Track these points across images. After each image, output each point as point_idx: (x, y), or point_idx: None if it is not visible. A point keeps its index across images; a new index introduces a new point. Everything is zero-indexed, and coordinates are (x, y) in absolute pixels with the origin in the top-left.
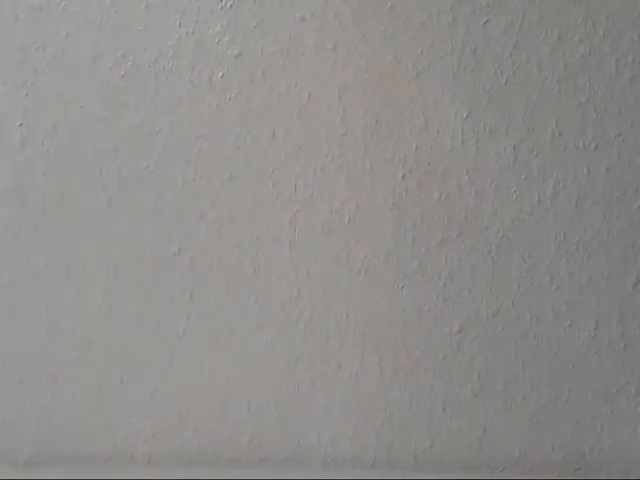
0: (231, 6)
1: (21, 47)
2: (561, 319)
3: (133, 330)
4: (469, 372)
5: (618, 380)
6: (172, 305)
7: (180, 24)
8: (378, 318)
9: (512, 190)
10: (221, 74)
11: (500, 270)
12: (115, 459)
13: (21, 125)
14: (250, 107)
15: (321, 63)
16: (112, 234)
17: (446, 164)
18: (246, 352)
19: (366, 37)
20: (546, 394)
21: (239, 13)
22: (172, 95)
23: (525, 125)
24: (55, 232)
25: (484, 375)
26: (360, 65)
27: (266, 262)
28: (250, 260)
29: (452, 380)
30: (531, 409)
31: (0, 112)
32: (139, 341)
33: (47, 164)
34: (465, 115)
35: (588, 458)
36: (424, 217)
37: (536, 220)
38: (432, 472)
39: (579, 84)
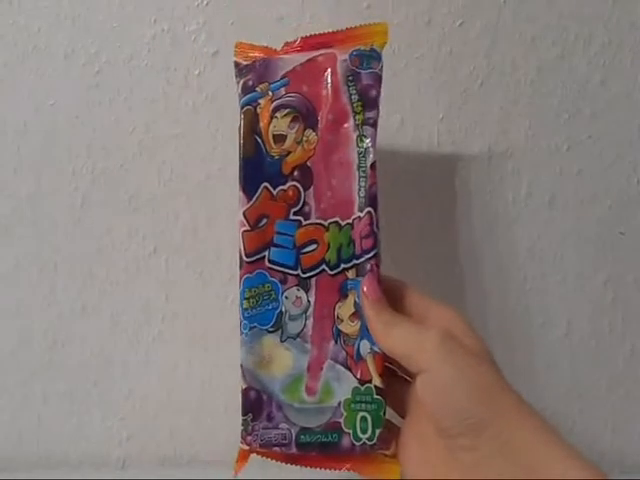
0: (207, 3)
1: None
2: (534, 318)
3: (107, 331)
4: None
5: (589, 377)
6: (147, 306)
7: (155, 21)
8: None
9: (487, 190)
10: (197, 72)
11: (473, 270)
12: (89, 462)
13: None
14: (227, 105)
15: None
16: (85, 234)
17: (422, 164)
18: (222, 353)
19: None
20: (518, 391)
21: (216, 11)
22: (147, 93)
23: (500, 126)
24: (26, 232)
25: None
26: None
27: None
28: (227, 260)
29: None
30: None
31: None
32: (113, 342)
33: (17, 163)
34: (441, 116)
35: None
36: (401, 217)
37: (509, 220)
38: None
39: (552, 86)
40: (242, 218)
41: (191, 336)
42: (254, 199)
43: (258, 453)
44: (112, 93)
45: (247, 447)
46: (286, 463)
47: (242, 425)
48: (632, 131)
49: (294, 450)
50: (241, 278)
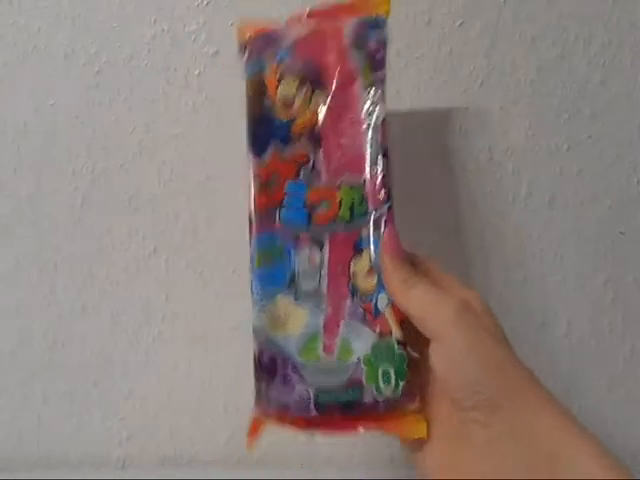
0: (207, 3)
1: None
2: (534, 318)
3: (107, 331)
4: None
5: (589, 377)
6: (147, 306)
7: (155, 21)
8: None
9: (487, 190)
10: (197, 72)
11: (473, 270)
12: (89, 462)
13: None
14: (227, 106)
15: None
16: (85, 234)
17: (422, 165)
18: (222, 353)
19: None
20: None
21: (216, 11)
22: (147, 93)
23: (500, 126)
24: (26, 232)
25: None
26: None
27: (243, 262)
28: (227, 260)
29: None
30: None
31: None
32: (113, 342)
33: (17, 163)
34: (441, 116)
35: None
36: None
37: (510, 220)
38: (409, 471)
39: (552, 86)
40: (251, 177)
41: (191, 336)
42: (263, 159)
43: (273, 421)
44: (112, 93)
45: (261, 414)
46: (305, 430)
47: (255, 393)
48: (632, 131)
49: (313, 413)
50: (252, 238)
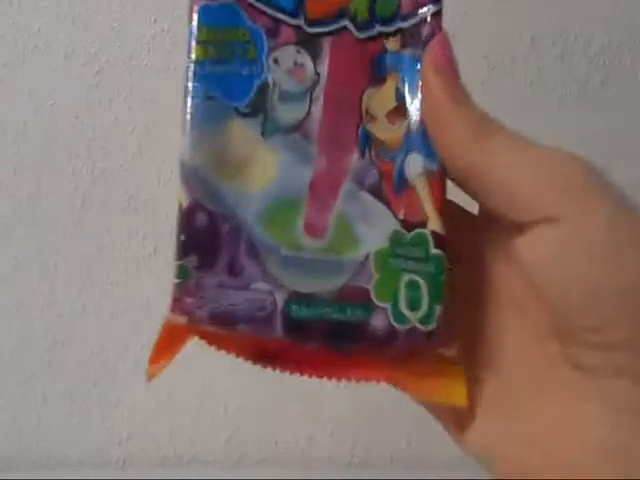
0: None
1: None
2: None
3: (107, 331)
4: None
5: None
6: (147, 306)
7: (155, 21)
8: None
9: None
10: None
11: None
12: (89, 462)
13: None
14: None
15: None
16: (85, 234)
17: None
18: (222, 353)
19: None
20: None
21: None
22: (147, 93)
23: None
24: (26, 232)
25: None
26: None
27: None
28: None
29: None
30: None
31: None
32: (113, 342)
33: (17, 163)
34: None
35: None
36: None
37: None
38: (409, 471)
39: (552, 86)
40: None
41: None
42: None
43: (203, 335)
44: (112, 93)
45: (183, 319)
46: (258, 360)
47: (176, 276)
48: (632, 131)
49: (279, 333)
50: (193, 7)
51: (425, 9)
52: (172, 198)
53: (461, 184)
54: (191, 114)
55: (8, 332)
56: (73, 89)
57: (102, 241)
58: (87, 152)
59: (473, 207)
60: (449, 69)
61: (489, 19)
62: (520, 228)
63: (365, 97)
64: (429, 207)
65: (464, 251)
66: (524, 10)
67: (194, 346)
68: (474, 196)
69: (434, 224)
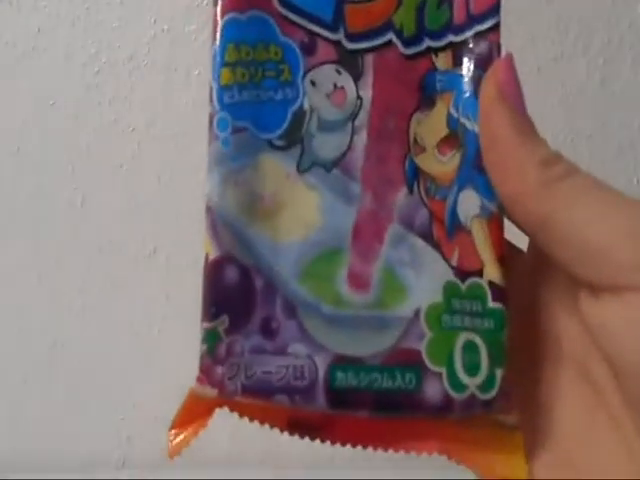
0: (207, 3)
1: None
2: None
3: (107, 331)
4: None
5: None
6: (147, 306)
7: (155, 21)
8: None
9: None
10: (197, 72)
11: None
12: (89, 462)
13: None
14: None
15: None
16: (85, 234)
17: None
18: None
19: None
20: None
21: None
22: (147, 93)
23: None
24: (26, 232)
25: None
26: None
27: None
28: None
29: None
30: None
31: None
32: (113, 342)
33: (17, 163)
34: None
35: None
36: None
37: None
38: (409, 471)
39: (552, 85)
40: None
41: (191, 336)
42: None
43: (234, 406)
44: (112, 93)
45: (213, 391)
46: (300, 432)
47: (204, 341)
48: (632, 131)
49: (321, 404)
50: (218, 20)
51: (490, 20)
52: (172, 198)
53: (524, 230)
54: (218, 149)
55: (8, 332)
56: (73, 89)
57: (102, 241)
58: (87, 152)
59: (521, 240)
60: (516, 98)
61: None
62: (592, 287)
63: (413, 123)
64: (486, 254)
65: (513, 296)
66: (524, 10)
67: (193, 347)
68: (540, 245)
69: (492, 273)
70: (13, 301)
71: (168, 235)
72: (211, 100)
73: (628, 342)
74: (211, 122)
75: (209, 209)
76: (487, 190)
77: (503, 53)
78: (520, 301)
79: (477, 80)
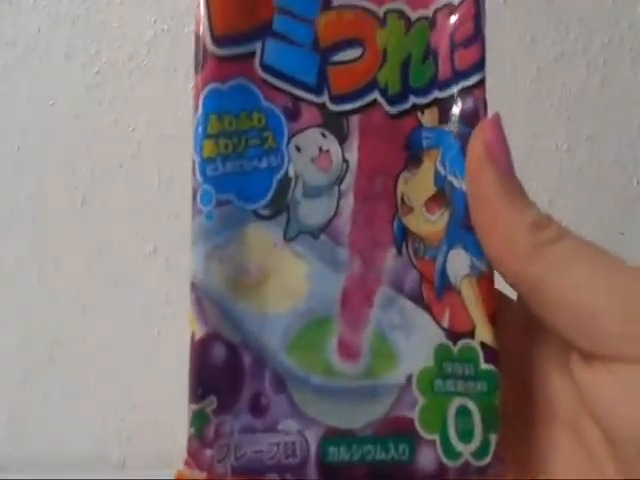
0: None
1: None
2: None
3: (107, 331)
4: None
5: None
6: (147, 306)
7: (155, 21)
8: None
9: None
10: None
11: None
12: (89, 462)
13: None
14: None
15: None
16: (85, 234)
17: None
18: None
19: None
20: None
21: None
22: (147, 93)
23: None
24: (26, 232)
25: None
26: None
27: None
28: None
29: None
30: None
31: None
32: (113, 342)
33: (17, 163)
34: None
35: None
36: None
37: None
38: None
39: (552, 86)
40: None
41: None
42: None
43: None
44: (112, 93)
45: (201, 475)
46: None
47: (191, 424)
48: (632, 131)
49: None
50: (200, 90)
51: (475, 75)
52: (172, 198)
53: (516, 292)
54: (202, 224)
55: (8, 332)
56: (73, 89)
57: (102, 241)
58: (87, 152)
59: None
60: (503, 158)
61: (489, 19)
62: (583, 352)
63: (400, 183)
64: (477, 314)
65: (504, 355)
66: (524, 10)
67: None
68: (530, 307)
69: (484, 334)
70: (13, 301)
71: (168, 235)
72: (194, 173)
73: (619, 410)
74: (194, 196)
75: (194, 286)
76: (476, 249)
77: (490, 111)
78: (511, 360)
79: (463, 137)
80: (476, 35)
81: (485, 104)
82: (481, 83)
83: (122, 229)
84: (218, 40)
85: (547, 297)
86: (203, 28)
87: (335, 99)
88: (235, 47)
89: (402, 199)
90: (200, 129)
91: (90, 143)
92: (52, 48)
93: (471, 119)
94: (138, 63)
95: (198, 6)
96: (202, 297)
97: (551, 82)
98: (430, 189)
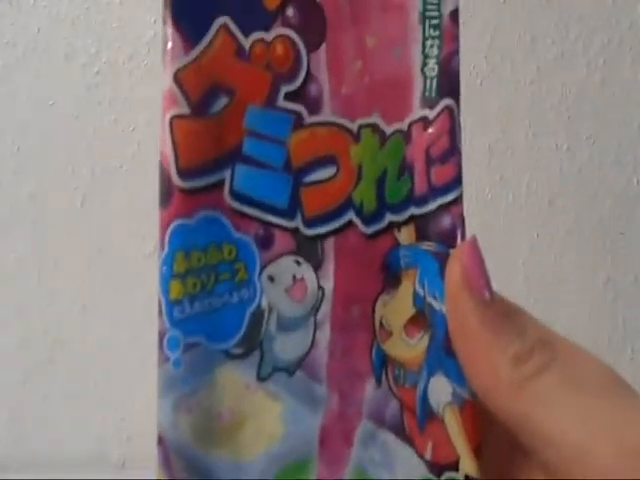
0: None
1: None
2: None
3: (107, 331)
4: None
5: None
6: (147, 305)
7: (155, 21)
8: None
9: (487, 190)
10: None
11: None
12: (89, 462)
13: None
14: None
15: None
16: (85, 234)
17: None
18: None
19: None
20: None
21: None
22: (147, 93)
23: (500, 126)
24: (26, 232)
25: None
26: None
27: None
28: None
29: None
30: None
31: None
32: (113, 342)
33: (17, 163)
34: None
35: None
36: None
37: (510, 220)
38: None
39: (552, 86)
40: (170, 85)
41: None
42: (199, 48)
43: None
44: (112, 93)
45: None
46: None
47: None
48: (632, 131)
49: None
50: (165, 228)
51: (453, 191)
52: None
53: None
54: (169, 373)
55: (8, 332)
56: (73, 89)
57: (102, 241)
58: (87, 152)
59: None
60: (482, 287)
61: (489, 19)
62: None
63: (378, 306)
64: (461, 444)
65: (485, 474)
66: (524, 10)
67: None
68: (516, 437)
69: (468, 466)
70: (13, 301)
71: None
72: (160, 314)
73: None
74: (161, 341)
75: (161, 439)
76: (458, 376)
77: (467, 234)
78: (491, 455)
79: (441, 257)
80: (452, 150)
81: (463, 221)
82: (458, 200)
83: (122, 229)
84: (184, 172)
85: (532, 431)
86: (168, 159)
87: (309, 222)
88: (203, 178)
89: (381, 323)
90: (165, 268)
91: (90, 143)
92: (52, 48)
93: (448, 238)
94: (138, 63)
95: (162, 134)
96: (169, 451)
97: (551, 82)
98: (409, 310)
